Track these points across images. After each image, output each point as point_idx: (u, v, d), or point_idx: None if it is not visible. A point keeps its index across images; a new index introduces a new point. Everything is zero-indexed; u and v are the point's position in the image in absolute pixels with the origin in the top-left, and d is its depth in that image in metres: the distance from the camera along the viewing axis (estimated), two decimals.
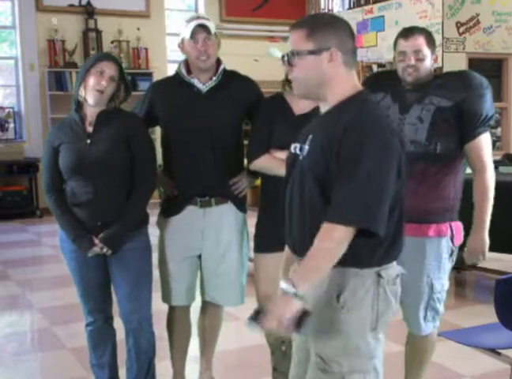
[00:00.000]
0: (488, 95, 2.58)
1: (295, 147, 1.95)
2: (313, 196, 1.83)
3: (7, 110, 8.90)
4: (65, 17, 9.06)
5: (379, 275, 1.85)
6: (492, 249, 4.24)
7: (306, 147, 1.87)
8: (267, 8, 10.38)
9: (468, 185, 2.70)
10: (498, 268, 5.09)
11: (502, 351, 2.60)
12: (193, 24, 2.73)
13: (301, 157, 1.89)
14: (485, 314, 3.33)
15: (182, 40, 2.80)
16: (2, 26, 9.28)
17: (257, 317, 1.77)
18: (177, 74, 2.86)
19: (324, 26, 1.85)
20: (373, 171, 1.73)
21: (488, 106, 2.57)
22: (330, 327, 1.86)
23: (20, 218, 8.53)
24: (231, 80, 2.86)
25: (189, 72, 2.82)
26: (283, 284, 1.75)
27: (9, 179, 8.77)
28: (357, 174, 1.73)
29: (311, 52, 1.83)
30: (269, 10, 10.33)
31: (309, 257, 1.76)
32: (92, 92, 2.61)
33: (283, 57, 1.88)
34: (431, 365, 3.29)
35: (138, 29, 9.30)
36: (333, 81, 1.85)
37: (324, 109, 1.92)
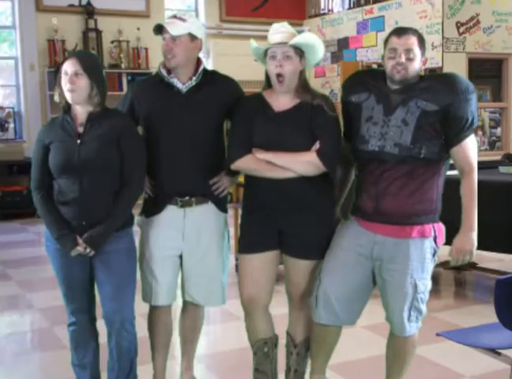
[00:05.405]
0: (474, 100, 2.57)
1: None
2: None
3: (7, 110, 8.89)
4: (65, 17, 9.06)
5: None
6: (492, 249, 4.27)
7: None
8: (267, 8, 10.38)
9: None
10: (498, 268, 5.10)
11: (502, 351, 2.59)
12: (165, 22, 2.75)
13: None
14: (485, 314, 3.33)
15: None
16: (2, 26, 9.28)
17: None
18: (158, 74, 2.86)
19: None
20: None
21: (474, 110, 2.56)
22: None
23: (20, 218, 8.51)
24: (212, 80, 2.84)
25: (169, 72, 2.81)
26: None
27: (9, 179, 8.75)
28: None
29: None
30: (269, 10, 10.32)
31: None
32: (66, 94, 2.64)
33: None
34: (431, 365, 3.30)
35: (138, 29, 9.29)
36: None
37: None
